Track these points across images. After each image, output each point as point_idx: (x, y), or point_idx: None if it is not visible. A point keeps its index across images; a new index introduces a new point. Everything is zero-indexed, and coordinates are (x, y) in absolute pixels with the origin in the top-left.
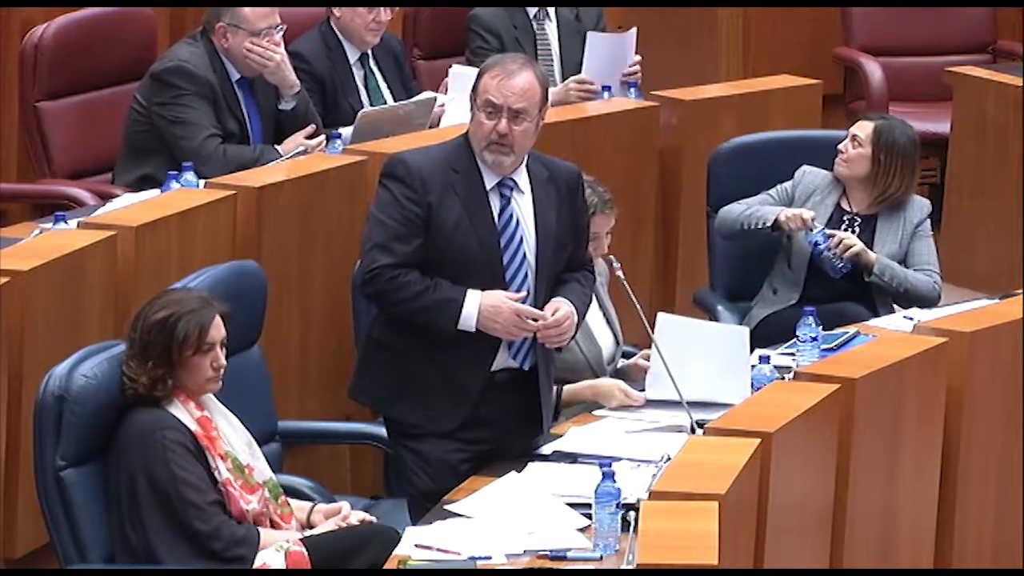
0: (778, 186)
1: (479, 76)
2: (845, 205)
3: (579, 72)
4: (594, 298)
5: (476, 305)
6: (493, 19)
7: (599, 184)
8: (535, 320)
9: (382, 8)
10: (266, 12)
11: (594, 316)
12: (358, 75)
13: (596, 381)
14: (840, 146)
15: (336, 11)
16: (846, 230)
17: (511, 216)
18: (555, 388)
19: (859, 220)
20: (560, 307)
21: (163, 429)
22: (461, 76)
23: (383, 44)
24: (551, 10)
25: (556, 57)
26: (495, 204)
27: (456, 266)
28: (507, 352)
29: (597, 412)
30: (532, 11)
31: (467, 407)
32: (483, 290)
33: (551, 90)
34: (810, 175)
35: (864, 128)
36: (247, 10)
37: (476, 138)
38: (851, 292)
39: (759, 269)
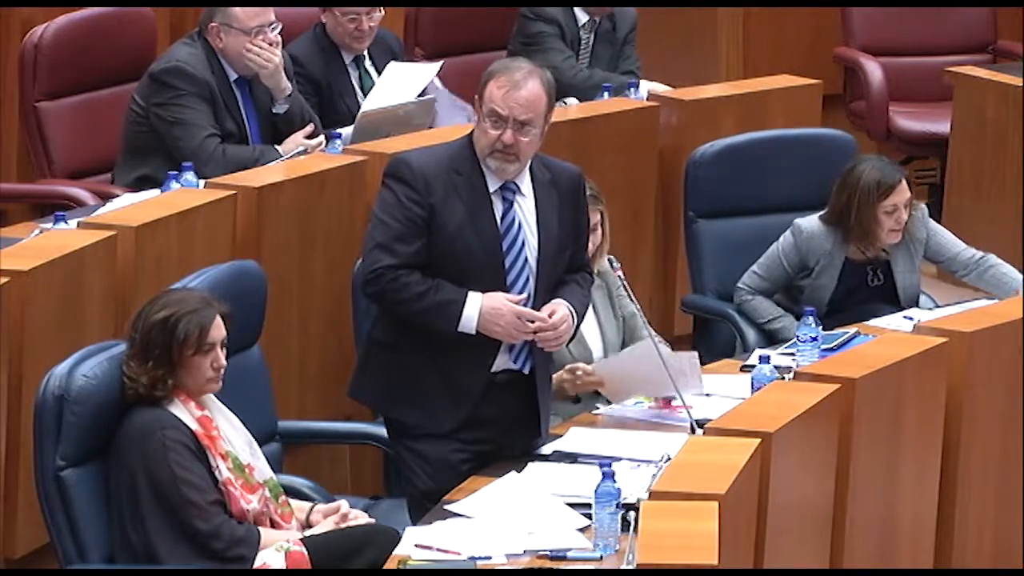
0: (779, 254)
1: (485, 82)
2: (854, 256)
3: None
4: None
5: (477, 307)
6: (554, 12)
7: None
8: (535, 322)
9: (364, 16)
10: (257, 10)
11: (586, 319)
12: (353, 76)
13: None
14: (895, 220)
15: (322, 17)
16: (872, 281)
17: (513, 219)
18: None
19: (878, 268)
20: (557, 309)
21: (164, 428)
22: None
23: (380, 43)
24: (598, 19)
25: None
26: (498, 207)
27: (458, 268)
28: (507, 354)
29: (597, 412)
30: (581, 20)
31: (467, 408)
32: (484, 292)
33: None
34: (809, 234)
35: (907, 190)
36: (238, 9)
37: (480, 145)
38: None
39: (746, 265)
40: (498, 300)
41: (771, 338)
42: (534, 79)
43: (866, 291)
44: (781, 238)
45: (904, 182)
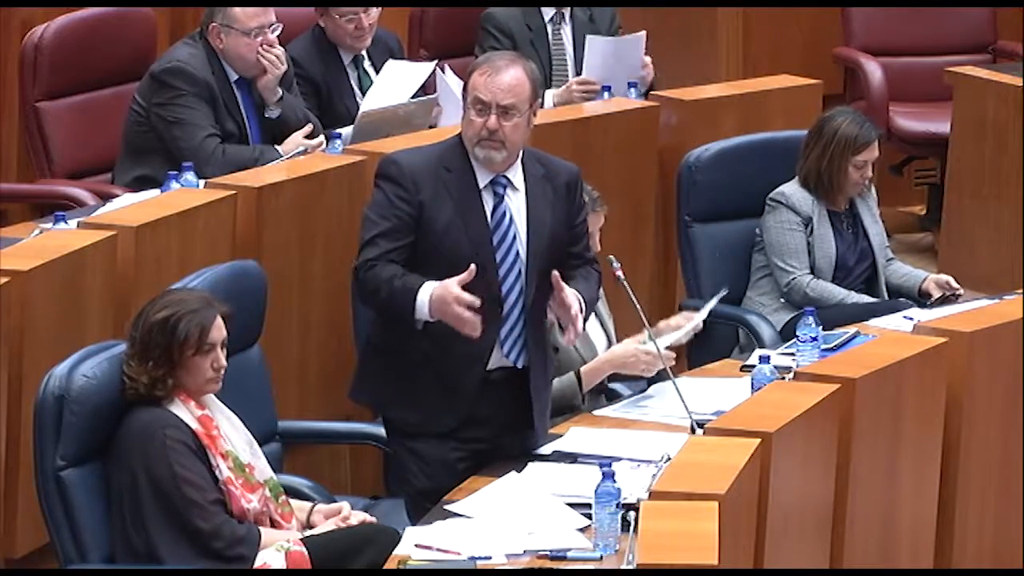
0: (783, 228)
1: (469, 74)
2: (831, 207)
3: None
4: None
5: (427, 295)
6: (507, 20)
7: (586, 183)
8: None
9: (362, 13)
10: (257, 11)
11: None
12: (352, 76)
13: (609, 354)
14: (862, 175)
15: (320, 21)
16: (849, 231)
17: (504, 214)
18: (572, 373)
19: (851, 217)
20: (571, 302)
21: (164, 428)
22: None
23: (379, 42)
24: (566, 13)
25: (571, 61)
26: (488, 203)
27: (448, 265)
28: (500, 351)
29: (597, 412)
30: (548, 14)
31: (464, 407)
32: (474, 289)
33: (555, 92)
34: (790, 193)
35: (877, 149)
36: (237, 10)
37: (467, 135)
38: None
39: (744, 270)
40: (444, 288)
41: (783, 335)
42: (516, 66)
43: (852, 238)
44: (769, 220)
45: (877, 141)
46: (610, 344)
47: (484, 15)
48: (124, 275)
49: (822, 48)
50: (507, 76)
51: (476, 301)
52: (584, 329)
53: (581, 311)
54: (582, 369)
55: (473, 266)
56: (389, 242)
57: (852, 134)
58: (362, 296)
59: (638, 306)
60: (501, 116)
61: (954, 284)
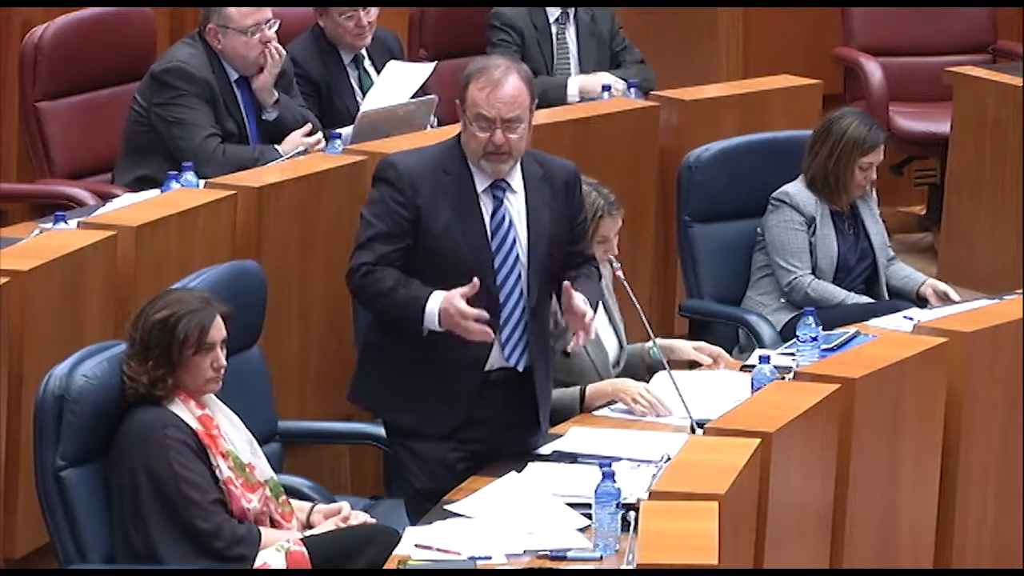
0: (786, 228)
1: (465, 85)
2: (833, 207)
3: (594, 71)
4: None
5: (436, 305)
6: (515, 16)
7: (603, 186)
8: (486, 321)
9: (361, 11)
10: (251, 9)
11: (599, 320)
12: (352, 76)
13: (619, 381)
14: (866, 176)
15: (320, 21)
16: (850, 230)
17: (504, 217)
18: (578, 389)
19: (852, 217)
20: (583, 308)
21: (165, 427)
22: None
23: (378, 42)
24: (571, 13)
25: (574, 60)
26: (487, 206)
27: (446, 269)
28: (501, 352)
29: (598, 412)
30: (553, 15)
31: (462, 408)
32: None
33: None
34: (795, 193)
35: (882, 152)
36: (232, 9)
37: (470, 149)
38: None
39: (745, 270)
40: (448, 301)
41: (783, 336)
42: (512, 75)
43: (853, 238)
44: (772, 219)
45: (883, 144)
46: (621, 348)
47: (492, 13)
48: (124, 275)
49: (822, 48)
50: (507, 88)
51: (482, 314)
52: (596, 333)
53: (592, 316)
54: (588, 388)
55: (476, 280)
56: (386, 245)
57: (861, 135)
58: (361, 300)
59: (638, 306)
60: (506, 130)
61: (952, 295)
